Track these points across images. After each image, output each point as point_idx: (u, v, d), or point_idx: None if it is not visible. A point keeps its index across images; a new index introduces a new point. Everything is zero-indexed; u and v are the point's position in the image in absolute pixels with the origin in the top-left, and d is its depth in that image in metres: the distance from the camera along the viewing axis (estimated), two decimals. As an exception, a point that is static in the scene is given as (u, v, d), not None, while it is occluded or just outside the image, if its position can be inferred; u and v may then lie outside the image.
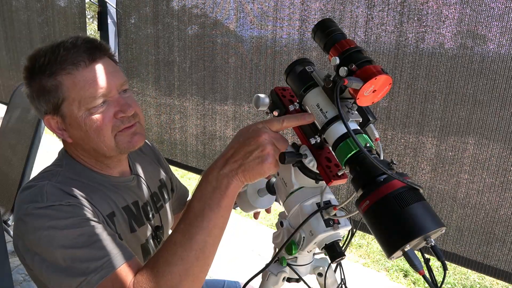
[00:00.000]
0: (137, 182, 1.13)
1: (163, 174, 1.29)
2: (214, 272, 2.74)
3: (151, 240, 1.12)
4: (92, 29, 9.61)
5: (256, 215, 1.18)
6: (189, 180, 4.72)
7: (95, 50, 0.95)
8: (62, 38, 0.95)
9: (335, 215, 0.84)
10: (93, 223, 0.87)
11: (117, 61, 1.04)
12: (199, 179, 0.77)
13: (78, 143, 0.99)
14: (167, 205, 1.25)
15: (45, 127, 2.32)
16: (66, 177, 0.96)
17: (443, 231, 0.66)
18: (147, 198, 1.15)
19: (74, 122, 0.95)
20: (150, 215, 1.13)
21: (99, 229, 0.86)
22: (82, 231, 0.84)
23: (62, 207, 0.86)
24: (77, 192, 0.92)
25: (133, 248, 1.03)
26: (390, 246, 0.64)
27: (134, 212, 1.06)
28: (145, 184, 1.16)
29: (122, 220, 1.02)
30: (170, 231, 1.27)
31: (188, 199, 1.44)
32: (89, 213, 0.88)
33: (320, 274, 1.01)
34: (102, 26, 2.56)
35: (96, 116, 0.94)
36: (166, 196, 1.26)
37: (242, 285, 0.98)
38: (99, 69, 0.94)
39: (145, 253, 1.08)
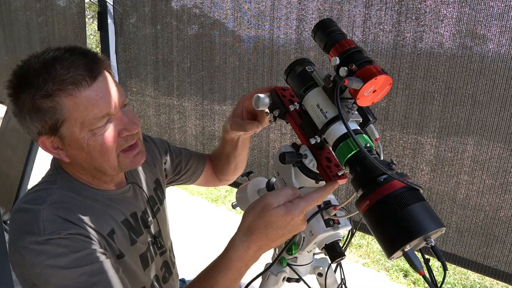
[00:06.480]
0: (133, 191, 1.10)
1: (158, 173, 1.25)
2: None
3: (151, 247, 1.10)
4: (92, 29, 9.58)
5: None
6: (189, 180, 4.70)
7: (94, 65, 0.87)
8: (52, 51, 0.86)
9: (335, 215, 0.84)
10: (94, 257, 0.84)
11: (112, 71, 0.97)
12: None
13: (77, 162, 0.94)
14: (163, 206, 1.24)
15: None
16: (62, 196, 0.91)
17: (443, 232, 0.66)
18: (145, 205, 1.12)
19: (74, 143, 0.89)
20: (149, 222, 1.11)
21: (100, 265, 0.84)
22: (83, 270, 0.82)
23: (60, 240, 0.82)
24: (75, 216, 0.87)
25: (134, 259, 1.02)
26: (390, 246, 0.64)
27: (132, 224, 1.04)
28: (141, 190, 1.13)
29: (122, 236, 0.99)
30: (168, 228, 1.26)
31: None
32: (89, 243, 0.85)
33: (320, 274, 1.01)
34: (102, 26, 2.56)
35: (100, 137, 0.88)
36: (161, 197, 1.24)
37: (243, 286, 0.97)
38: (101, 87, 0.87)
39: (144, 262, 1.06)
